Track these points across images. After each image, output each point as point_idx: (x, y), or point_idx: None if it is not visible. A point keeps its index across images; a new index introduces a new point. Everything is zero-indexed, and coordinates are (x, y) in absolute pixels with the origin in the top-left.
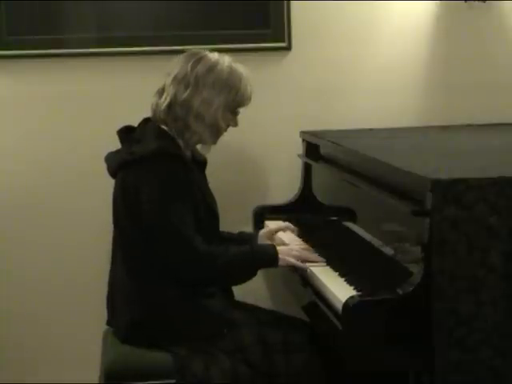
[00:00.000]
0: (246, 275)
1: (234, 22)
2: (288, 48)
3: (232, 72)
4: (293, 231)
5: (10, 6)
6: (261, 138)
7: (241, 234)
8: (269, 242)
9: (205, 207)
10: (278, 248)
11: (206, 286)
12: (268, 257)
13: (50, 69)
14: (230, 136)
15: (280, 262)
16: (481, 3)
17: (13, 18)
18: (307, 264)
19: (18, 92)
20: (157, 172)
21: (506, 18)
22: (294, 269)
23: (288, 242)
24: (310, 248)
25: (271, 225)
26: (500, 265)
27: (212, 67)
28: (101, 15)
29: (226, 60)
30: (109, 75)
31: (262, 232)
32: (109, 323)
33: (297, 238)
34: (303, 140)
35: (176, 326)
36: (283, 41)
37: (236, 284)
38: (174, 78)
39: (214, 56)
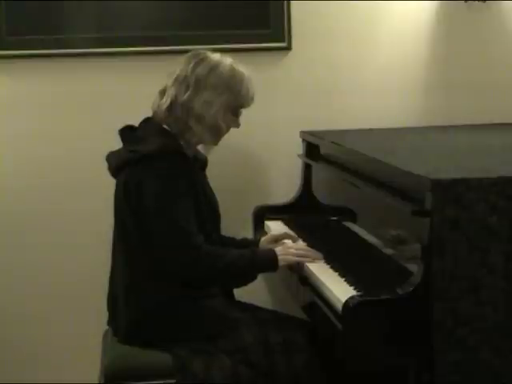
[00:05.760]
0: (246, 278)
1: (234, 21)
2: (288, 48)
3: (233, 73)
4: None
5: (10, 6)
6: (261, 137)
7: (244, 240)
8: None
9: (207, 207)
10: (276, 249)
11: (205, 286)
12: (268, 261)
13: (50, 69)
14: (230, 136)
15: (280, 263)
16: (481, 3)
17: (13, 17)
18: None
19: (18, 92)
20: (161, 169)
21: (506, 17)
22: (292, 268)
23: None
24: (305, 246)
25: (272, 225)
26: (500, 265)
27: (213, 68)
28: (101, 15)
29: (227, 61)
30: (109, 75)
31: (263, 239)
32: (109, 323)
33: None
34: (303, 140)
35: (176, 326)
36: (283, 41)
37: (236, 286)
38: (175, 79)
39: (216, 57)
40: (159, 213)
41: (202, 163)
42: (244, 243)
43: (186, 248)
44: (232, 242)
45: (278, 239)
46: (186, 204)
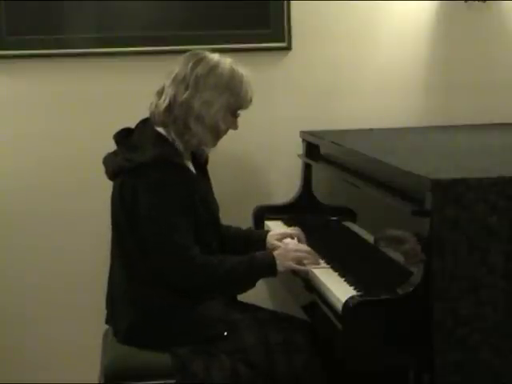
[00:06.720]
0: (245, 285)
1: (234, 21)
2: (288, 48)
3: (233, 74)
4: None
5: (10, 6)
6: (261, 138)
7: (250, 231)
8: (275, 244)
9: (207, 216)
10: (275, 253)
11: (204, 294)
12: (267, 267)
13: (50, 69)
14: (230, 136)
15: (279, 269)
16: (481, 3)
17: (13, 18)
18: (307, 265)
19: (18, 92)
20: (155, 179)
21: (506, 18)
22: (294, 272)
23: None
24: (308, 248)
25: (272, 225)
26: (500, 265)
27: (213, 68)
28: (101, 15)
29: (227, 61)
30: (109, 75)
31: (271, 233)
32: (107, 322)
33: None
34: (303, 140)
35: (176, 329)
36: (283, 41)
37: (235, 293)
38: (174, 79)
39: (215, 57)
40: (153, 224)
41: (202, 161)
42: (249, 234)
43: (181, 261)
44: (238, 233)
45: (285, 237)
46: (181, 215)
